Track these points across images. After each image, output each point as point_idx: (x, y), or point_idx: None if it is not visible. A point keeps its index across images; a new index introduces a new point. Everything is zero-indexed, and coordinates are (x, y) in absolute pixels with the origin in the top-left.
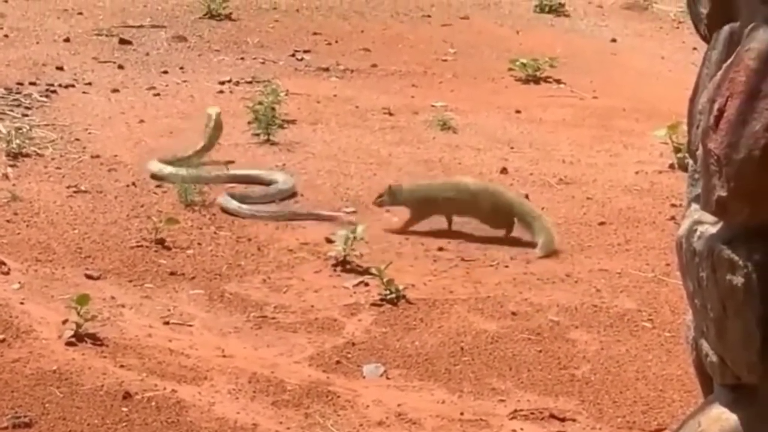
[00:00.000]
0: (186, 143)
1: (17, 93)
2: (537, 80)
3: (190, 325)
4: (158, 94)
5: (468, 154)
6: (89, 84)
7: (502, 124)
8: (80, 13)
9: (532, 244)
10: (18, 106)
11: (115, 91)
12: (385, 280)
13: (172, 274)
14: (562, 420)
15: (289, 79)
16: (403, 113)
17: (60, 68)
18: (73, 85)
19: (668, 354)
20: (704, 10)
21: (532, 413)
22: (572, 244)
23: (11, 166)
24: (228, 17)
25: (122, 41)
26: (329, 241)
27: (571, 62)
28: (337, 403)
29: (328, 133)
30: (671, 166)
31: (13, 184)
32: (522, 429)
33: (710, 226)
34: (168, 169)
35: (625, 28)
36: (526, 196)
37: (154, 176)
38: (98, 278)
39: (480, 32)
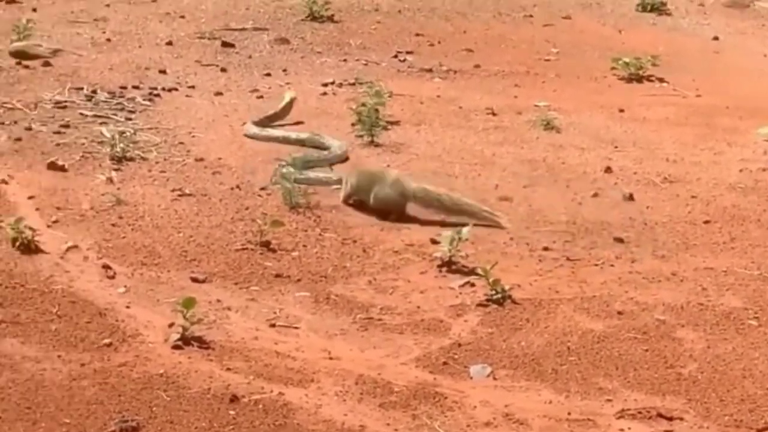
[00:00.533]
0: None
1: (121, 97)
2: (640, 79)
3: (296, 328)
4: (261, 97)
5: (572, 154)
6: (192, 87)
7: (606, 123)
8: (182, 17)
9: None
10: (122, 110)
11: (219, 94)
12: (490, 280)
13: (277, 276)
14: (670, 419)
15: (392, 80)
16: (506, 113)
17: (163, 72)
18: (176, 89)
19: None
20: None
21: (639, 412)
22: (677, 243)
23: (116, 170)
24: (330, 19)
25: (225, 44)
26: (434, 242)
27: (673, 61)
28: (444, 404)
29: (431, 134)
30: None
31: (118, 188)
32: (629, 428)
33: None
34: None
35: (727, 26)
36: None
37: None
38: (204, 281)
39: (582, 31)
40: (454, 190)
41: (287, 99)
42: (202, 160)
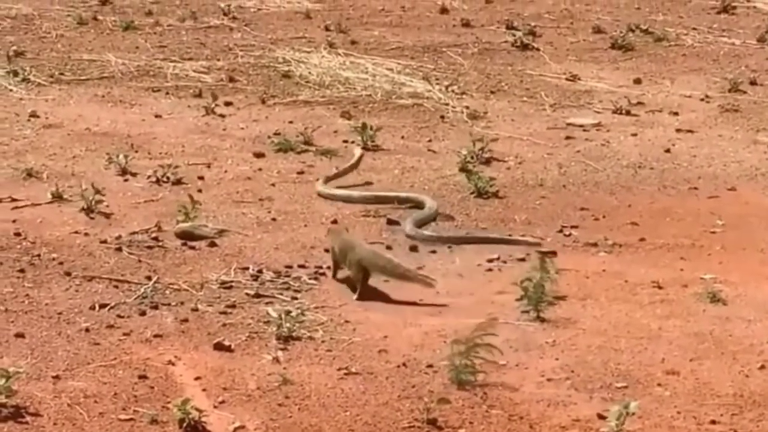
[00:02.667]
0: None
1: (286, 276)
2: None
3: None
4: (427, 275)
5: (739, 326)
6: None
7: None
8: None
9: None
10: (287, 289)
11: None
12: None
13: None
14: None
15: (558, 255)
16: (672, 286)
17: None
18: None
19: None
20: None
21: None
22: None
23: (282, 349)
24: (495, 195)
25: (390, 221)
26: (601, 417)
27: None
28: None
29: (597, 308)
30: None
31: (284, 368)
32: None
33: None
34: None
35: None
36: None
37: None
38: None
39: (747, 203)
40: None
41: (357, 155)
42: (368, 338)
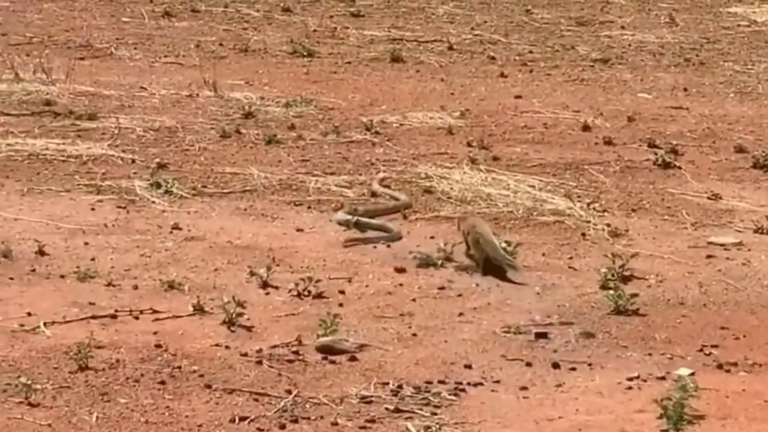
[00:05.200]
0: None
1: (426, 392)
2: None
3: None
4: (565, 392)
5: None
6: (498, 382)
7: None
8: (487, 311)
9: None
10: (427, 404)
11: (524, 388)
12: None
13: None
14: None
15: (698, 374)
16: None
17: (468, 366)
18: (481, 383)
19: None
20: None
21: None
22: None
23: None
24: (635, 313)
25: (538, 335)
26: None
27: None
28: None
29: (737, 428)
30: None
31: None
32: None
33: None
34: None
35: None
36: None
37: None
38: None
39: None
40: None
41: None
42: None
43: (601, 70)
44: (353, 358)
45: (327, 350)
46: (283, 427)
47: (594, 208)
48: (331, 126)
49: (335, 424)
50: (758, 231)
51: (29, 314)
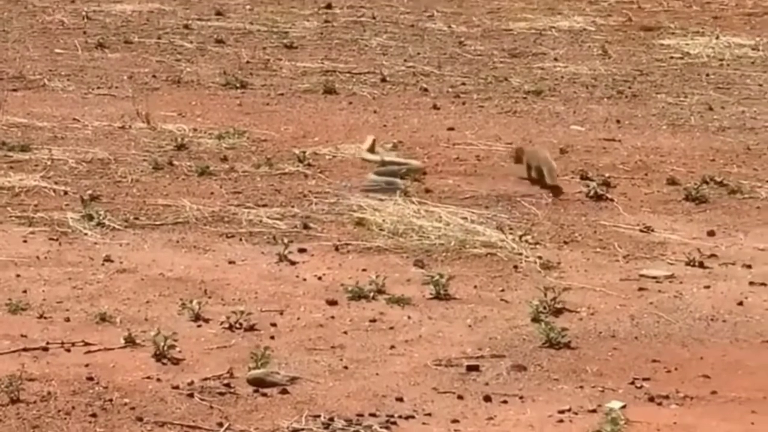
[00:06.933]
0: None
1: (357, 425)
2: None
3: None
4: (497, 425)
5: None
6: (429, 415)
7: None
8: (418, 344)
9: None
10: None
11: (455, 421)
12: None
13: None
14: None
15: (629, 407)
16: None
17: (400, 399)
18: (413, 416)
19: None
20: None
21: None
22: None
23: None
24: (567, 345)
25: (470, 368)
26: None
27: None
28: None
29: None
30: None
31: None
32: None
33: None
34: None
35: None
36: None
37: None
38: None
39: None
40: None
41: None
42: None
43: (533, 102)
44: (285, 391)
45: (258, 383)
46: None
47: (526, 241)
48: (263, 158)
49: None
50: (690, 263)
51: None
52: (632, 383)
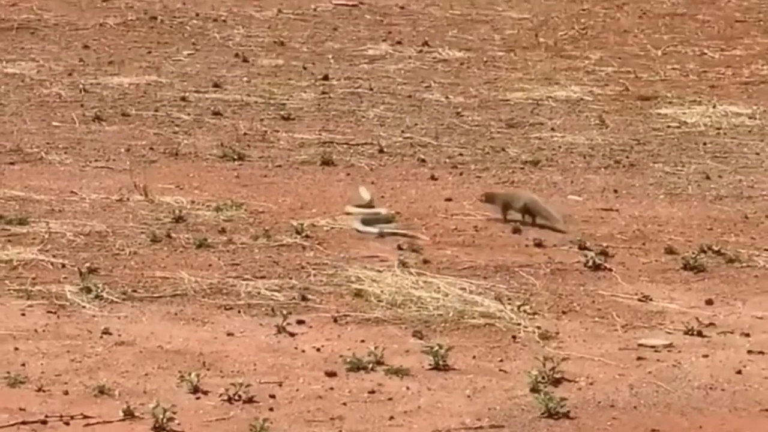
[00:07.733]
0: None
1: None
2: None
3: None
4: None
5: None
6: None
7: None
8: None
9: None
10: None
11: None
12: None
13: None
14: None
15: None
16: None
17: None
18: None
19: None
20: None
21: None
22: None
23: None
24: (566, 415)
25: None
26: None
27: None
28: None
29: None
30: None
31: None
32: None
33: None
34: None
35: None
36: None
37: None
38: None
39: None
40: None
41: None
42: None
43: (531, 172)
44: None
45: None
46: None
47: (524, 311)
48: (261, 230)
49: None
50: (688, 332)
51: None
52: None
